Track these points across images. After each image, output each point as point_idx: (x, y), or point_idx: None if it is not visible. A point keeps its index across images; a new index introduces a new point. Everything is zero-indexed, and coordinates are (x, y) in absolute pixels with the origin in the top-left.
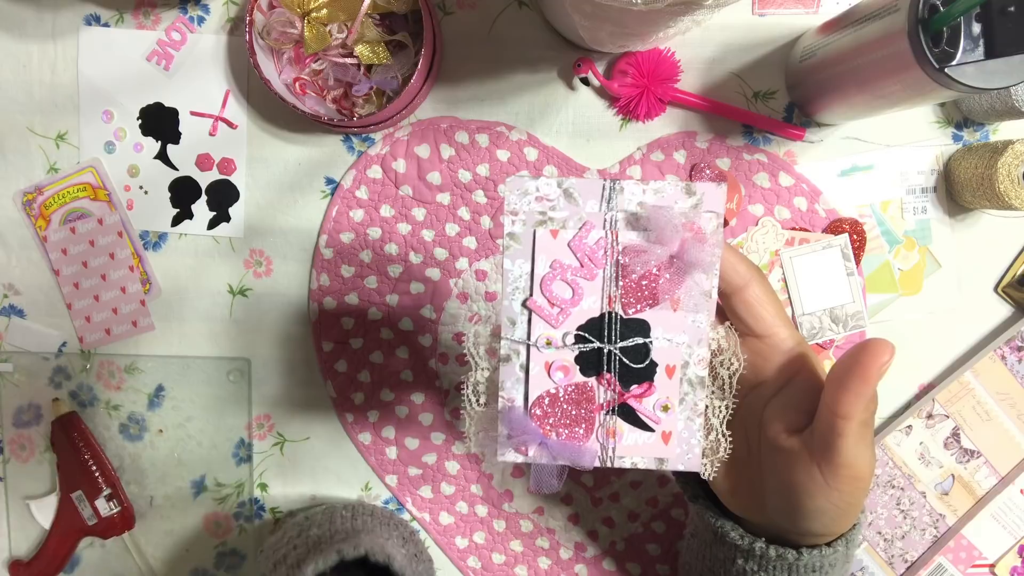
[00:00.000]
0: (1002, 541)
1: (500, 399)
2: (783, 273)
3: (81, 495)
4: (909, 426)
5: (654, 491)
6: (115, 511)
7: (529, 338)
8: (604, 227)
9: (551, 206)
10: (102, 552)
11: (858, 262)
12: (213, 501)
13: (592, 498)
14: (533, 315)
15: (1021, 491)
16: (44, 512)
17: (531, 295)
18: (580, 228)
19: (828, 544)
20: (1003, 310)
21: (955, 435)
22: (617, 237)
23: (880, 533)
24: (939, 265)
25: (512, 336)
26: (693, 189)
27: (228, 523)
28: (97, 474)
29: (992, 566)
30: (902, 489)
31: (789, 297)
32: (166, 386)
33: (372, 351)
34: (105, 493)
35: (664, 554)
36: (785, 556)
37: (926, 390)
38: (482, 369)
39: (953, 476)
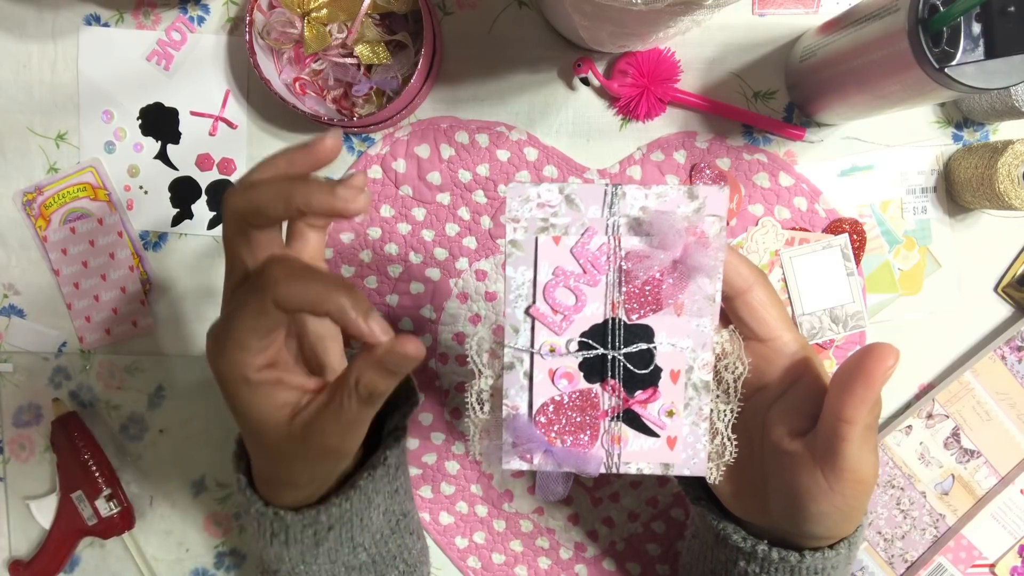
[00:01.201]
0: (1002, 541)
1: (504, 407)
2: (783, 273)
3: (81, 495)
4: (909, 426)
5: (654, 491)
6: (115, 511)
7: (532, 345)
8: (606, 232)
9: (553, 212)
10: (102, 552)
11: (858, 262)
12: (213, 501)
13: (592, 498)
14: (536, 322)
15: (1021, 491)
16: (44, 512)
17: (534, 302)
18: (582, 234)
19: (831, 546)
20: (1003, 310)
21: (955, 435)
22: (620, 242)
23: (880, 533)
24: (939, 265)
25: (515, 344)
26: (696, 193)
27: (228, 523)
28: (97, 474)
29: (992, 566)
30: (902, 489)
31: (789, 297)
32: (166, 386)
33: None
34: (105, 493)
35: (664, 554)
36: (787, 559)
37: (926, 390)
38: (485, 376)
39: (953, 476)
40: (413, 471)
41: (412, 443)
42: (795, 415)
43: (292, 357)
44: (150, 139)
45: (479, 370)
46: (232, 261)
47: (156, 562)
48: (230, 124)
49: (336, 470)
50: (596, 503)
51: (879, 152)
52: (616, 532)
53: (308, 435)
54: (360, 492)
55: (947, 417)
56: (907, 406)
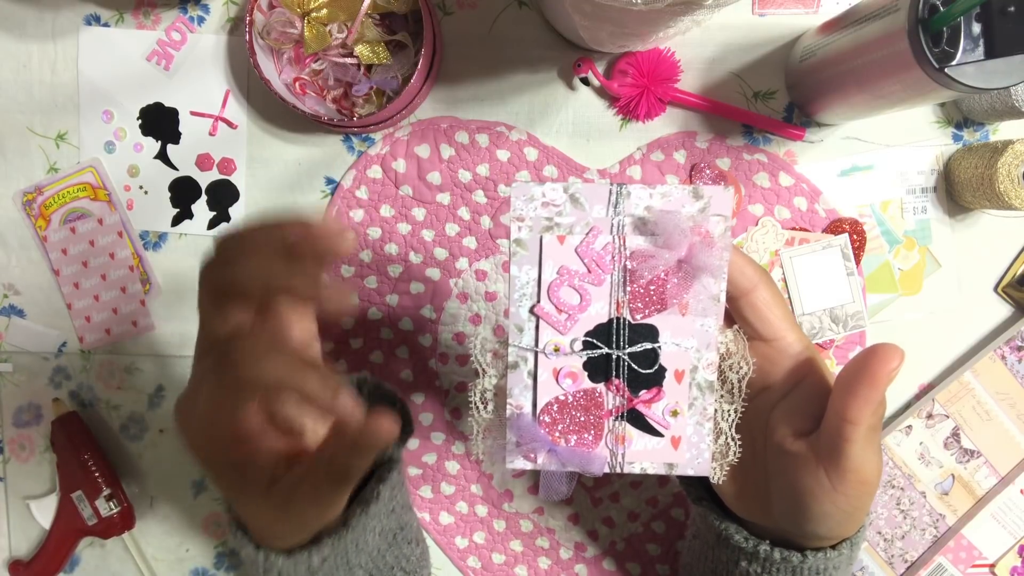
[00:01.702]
0: (1002, 541)
1: (508, 406)
2: (783, 273)
3: (81, 495)
4: (909, 426)
5: (654, 491)
6: (115, 511)
7: (537, 345)
8: (611, 232)
9: (557, 211)
10: (102, 552)
11: (858, 262)
12: (213, 501)
13: (592, 498)
14: (541, 321)
15: (1021, 491)
16: (44, 512)
17: (538, 301)
18: (587, 233)
19: (833, 547)
20: (1003, 310)
21: (955, 435)
22: (624, 242)
23: (880, 533)
24: (939, 265)
25: (520, 343)
26: (700, 193)
27: (228, 523)
28: (97, 474)
29: (992, 566)
30: (902, 489)
31: (789, 297)
32: (166, 386)
33: (372, 351)
34: (105, 493)
35: (664, 554)
36: (790, 559)
37: (926, 390)
38: (489, 376)
39: (953, 476)
40: (413, 471)
41: (412, 443)
42: (799, 415)
43: (265, 420)
44: (150, 139)
45: (483, 369)
46: (202, 322)
47: (156, 562)
48: (230, 124)
49: (322, 524)
50: (596, 503)
51: (879, 152)
52: (616, 532)
53: (286, 507)
54: (353, 529)
55: (947, 417)
56: (907, 406)
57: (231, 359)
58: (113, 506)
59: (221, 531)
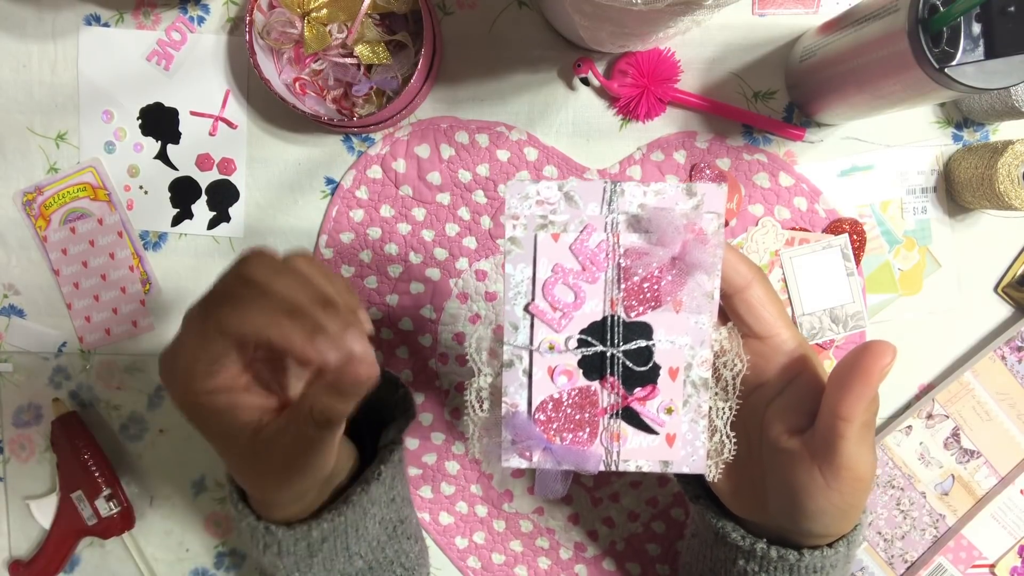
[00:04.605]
0: (1002, 541)
1: (503, 404)
2: (783, 273)
3: (81, 495)
4: (909, 426)
5: (654, 491)
6: (115, 511)
7: (532, 343)
8: (605, 230)
9: (552, 209)
10: (102, 552)
11: (858, 262)
12: (213, 501)
13: (592, 498)
14: (535, 319)
15: (1021, 491)
16: (44, 512)
17: (533, 299)
18: (581, 231)
19: (830, 545)
20: (1003, 310)
21: (955, 435)
22: (618, 239)
23: (880, 533)
24: (939, 265)
25: (515, 341)
26: (694, 190)
27: (228, 523)
28: (97, 474)
29: (992, 566)
30: (902, 489)
31: (789, 297)
32: None
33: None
34: (105, 493)
35: (664, 554)
36: (786, 557)
37: (926, 390)
38: (484, 375)
39: (953, 476)
40: (413, 471)
41: (412, 443)
42: (793, 413)
43: (252, 377)
44: (150, 139)
45: (478, 368)
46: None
47: (156, 562)
48: (230, 124)
49: (319, 486)
50: (596, 503)
51: (879, 152)
52: (616, 532)
53: (272, 455)
54: (353, 506)
55: (947, 417)
56: (907, 406)
57: (211, 307)
58: (113, 506)
59: (221, 531)
